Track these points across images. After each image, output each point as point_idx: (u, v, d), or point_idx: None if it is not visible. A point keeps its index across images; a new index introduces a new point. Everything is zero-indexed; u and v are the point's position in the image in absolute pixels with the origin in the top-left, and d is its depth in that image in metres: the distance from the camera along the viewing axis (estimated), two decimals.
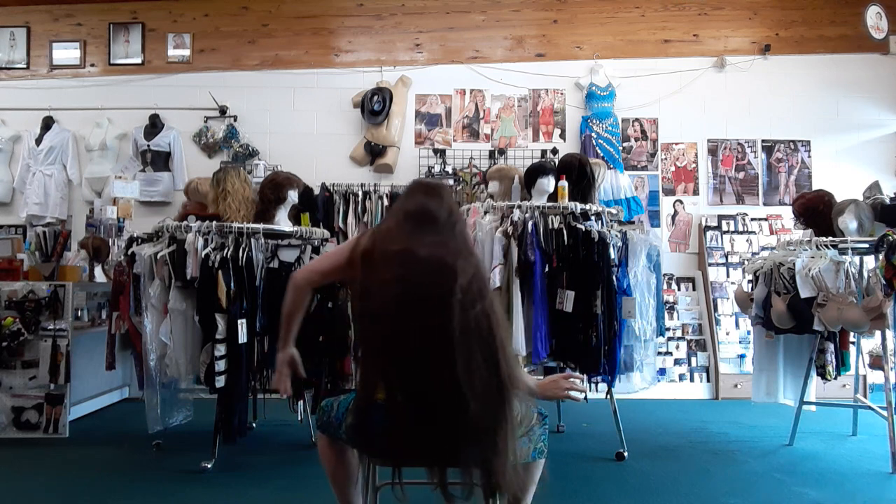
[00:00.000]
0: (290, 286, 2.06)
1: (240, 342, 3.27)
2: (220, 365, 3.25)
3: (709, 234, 5.85)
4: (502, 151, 5.94)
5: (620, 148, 5.88)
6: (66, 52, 6.15)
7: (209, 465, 3.33)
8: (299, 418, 3.98)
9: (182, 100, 6.00)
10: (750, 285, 4.17)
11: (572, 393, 2.04)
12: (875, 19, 5.51)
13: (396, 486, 1.81)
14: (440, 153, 5.93)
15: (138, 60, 6.12)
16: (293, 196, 3.90)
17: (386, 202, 5.65)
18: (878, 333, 3.63)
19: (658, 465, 3.51)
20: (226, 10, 6.14)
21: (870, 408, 3.92)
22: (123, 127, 5.98)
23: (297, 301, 2.07)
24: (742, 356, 5.50)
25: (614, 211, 3.85)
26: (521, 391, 1.89)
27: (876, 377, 4.99)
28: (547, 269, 3.42)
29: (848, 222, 3.77)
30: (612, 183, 5.68)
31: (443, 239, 1.88)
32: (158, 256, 3.40)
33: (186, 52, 6.11)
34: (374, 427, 1.79)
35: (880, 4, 5.42)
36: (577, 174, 3.82)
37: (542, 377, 2.18)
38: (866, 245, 3.64)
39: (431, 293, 1.75)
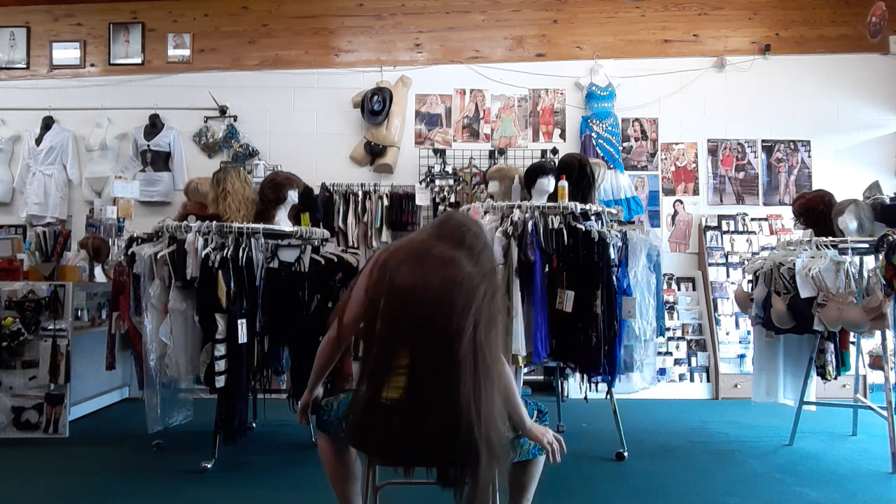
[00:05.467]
0: (324, 345, 2.05)
1: (240, 342, 3.27)
2: (220, 365, 3.25)
3: (709, 234, 5.85)
4: (502, 151, 5.94)
5: (620, 148, 5.88)
6: (66, 52, 6.16)
7: (209, 465, 3.33)
8: None
9: (182, 100, 6.01)
10: (750, 285, 4.17)
11: (554, 448, 1.99)
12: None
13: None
14: (440, 153, 5.93)
15: (138, 60, 6.12)
16: (293, 196, 3.89)
17: (386, 202, 5.66)
18: (878, 333, 3.63)
19: (658, 465, 3.51)
20: (226, 10, 6.14)
21: (870, 408, 3.92)
22: (123, 127, 5.99)
23: (331, 358, 2.07)
24: (742, 356, 5.50)
25: (614, 211, 3.84)
26: (516, 417, 1.96)
27: (876, 377, 5.00)
28: (547, 269, 3.42)
29: (848, 222, 3.77)
30: (612, 183, 5.68)
31: (456, 266, 1.85)
32: (158, 256, 3.40)
33: (186, 52, 6.11)
34: (374, 425, 1.80)
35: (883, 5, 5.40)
36: (577, 174, 3.82)
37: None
38: (866, 245, 3.64)
39: (442, 319, 1.77)
